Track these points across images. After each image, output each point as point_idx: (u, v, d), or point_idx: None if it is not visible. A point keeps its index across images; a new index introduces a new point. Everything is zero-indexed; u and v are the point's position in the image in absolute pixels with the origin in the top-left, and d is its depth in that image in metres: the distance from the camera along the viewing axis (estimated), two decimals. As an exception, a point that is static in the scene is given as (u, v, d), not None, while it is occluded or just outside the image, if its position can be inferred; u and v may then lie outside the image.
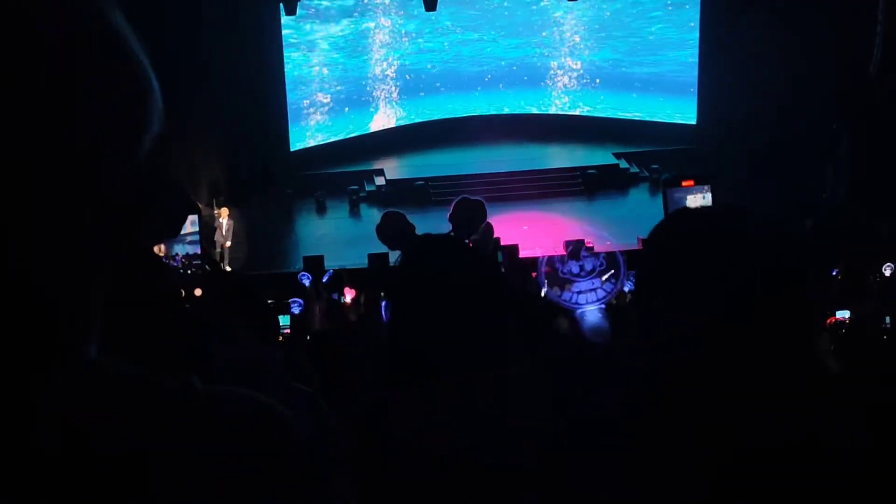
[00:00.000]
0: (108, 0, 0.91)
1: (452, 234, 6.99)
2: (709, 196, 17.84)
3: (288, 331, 10.47)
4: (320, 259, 17.96)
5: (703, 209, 2.21)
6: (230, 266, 20.16)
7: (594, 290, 4.52)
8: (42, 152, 0.85)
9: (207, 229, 20.15)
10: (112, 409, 0.93)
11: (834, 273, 13.99)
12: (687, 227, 1.95)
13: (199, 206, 20.31)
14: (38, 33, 0.85)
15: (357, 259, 18.49)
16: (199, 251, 19.01)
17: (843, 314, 9.94)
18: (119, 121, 0.90)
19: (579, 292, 4.53)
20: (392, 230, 6.14)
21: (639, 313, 1.96)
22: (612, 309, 5.75)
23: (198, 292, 9.55)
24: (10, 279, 0.86)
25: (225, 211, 20.86)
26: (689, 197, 17.33)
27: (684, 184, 17.11)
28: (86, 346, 0.93)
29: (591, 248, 4.52)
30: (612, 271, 4.56)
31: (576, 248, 4.64)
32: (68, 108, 0.86)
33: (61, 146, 0.86)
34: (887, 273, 13.61)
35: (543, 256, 4.60)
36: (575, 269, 4.56)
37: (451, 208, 7.67)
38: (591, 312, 4.51)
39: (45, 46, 0.85)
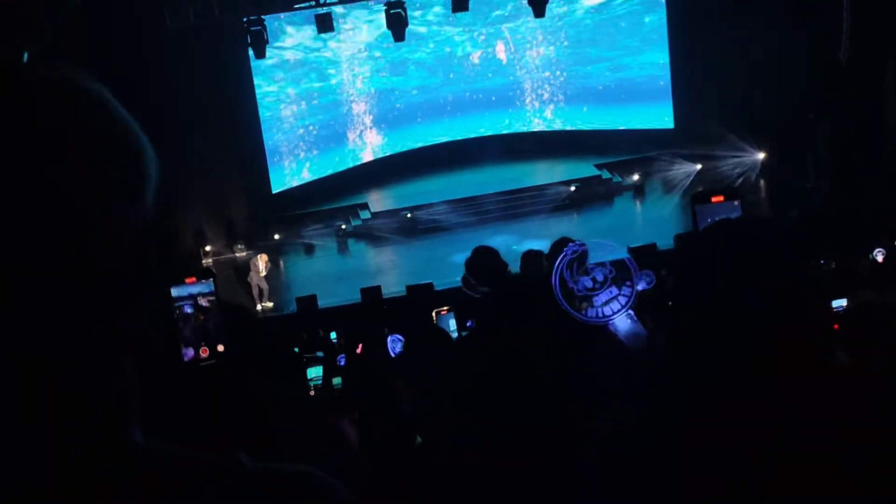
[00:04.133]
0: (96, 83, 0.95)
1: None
2: (739, 213, 17.81)
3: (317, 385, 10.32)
4: (313, 298, 17.93)
5: (739, 220, 2.23)
6: (267, 305, 20.50)
7: (615, 298, 4.49)
8: (44, 230, 0.86)
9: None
10: (159, 490, 0.93)
11: (822, 263, 14.00)
12: (727, 238, 1.97)
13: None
14: (38, 112, 0.88)
15: (349, 294, 18.47)
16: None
17: (840, 303, 9.91)
18: (114, 185, 0.92)
19: (602, 304, 4.50)
20: (483, 267, 6.12)
21: (672, 325, 1.98)
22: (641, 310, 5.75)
23: (220, 347, 9.42)
24: (30, 366, 0.87)
25: (263, 256, 21.06)
26: (719, 215, 17.27)
27: (714, 199, 17.03)
28: (128, 430, 0.95)
29: (584, 252, 4.49)
30: (624, 273, 4.54)
31: (580, 261, 4.60)
32: (66, 180, 0.87)
33: (62, 217, 0.86)
34: (879, 258, 13.60)
35: (555, 283, 4.56)
36: (589, 284, 4.52)
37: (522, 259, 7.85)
38: (622, 320, 4.48)
39: (43, 125, 0.87)
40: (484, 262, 6.09)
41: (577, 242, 4.65)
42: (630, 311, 4.51)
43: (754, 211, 17.75)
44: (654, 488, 1.90)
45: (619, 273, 4.47)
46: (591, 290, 4.43)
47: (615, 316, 4.46)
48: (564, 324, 4.61)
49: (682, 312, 2.01)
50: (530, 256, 7.73)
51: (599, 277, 4.44)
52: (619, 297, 4.45)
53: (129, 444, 0.94)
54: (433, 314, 12.84)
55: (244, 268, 21.36)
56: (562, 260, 4.53)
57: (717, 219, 2.23)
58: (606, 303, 4.43)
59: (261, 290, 20.76)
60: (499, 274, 5.99)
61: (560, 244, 4.99)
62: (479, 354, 4.72)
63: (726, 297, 1.86)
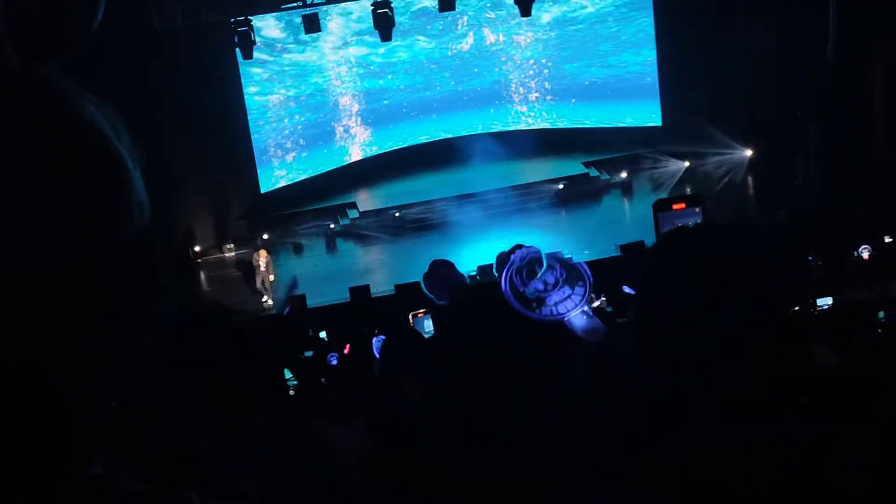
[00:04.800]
0: (89, 99, 0.92)
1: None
2: (700, 219, 17.83)
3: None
4: (302, 298, 17.92)
5: (698, 227, 2.25)
6: (272, 300, 20.57)
7: (569, 297, 4.48)
8: (26, 257, 0.84)
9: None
10: None
11: (810, 259, 14.07)
12: (684, 247, 1.98)
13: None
14: (27, 135, 0.86)
15: (338, 294, 18.46)
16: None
17: (825, 301, 9.96)
18: (99, 209, 0.89)
19: (556, 303, 4.48)
20: (439, 280, 6.10)
21: (638, 335, 1.98)
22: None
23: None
24: (10, 393, 0.85)
25: (263, 252, 21.33)
26: (680, 221, 17.29)
27: (675, 206, 17.03)
28: (89, 461, 0.92)
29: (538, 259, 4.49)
30: (576, 275, 4.53)
31: (529, 267, 4.57)
32: (50, 204, 0.85)
33: (46, 247, 0.85)
34: (865, 255, 13.66)
35: (505, 288, 4.55)
36: (540, 287, 4.50)
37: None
38: (577, 317, 4.48)
39: (31, 148, 0.85)
40: (440, 276, 6.08)
41: (526, 248, 4.65)
42: (585, 308, 4.52)
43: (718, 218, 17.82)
44: (642, 491, 1.90)
45: (571, 274, 4.47)
46: (544, 291, 4.43)
47: (569, 313, 4.46)
48: (524, 328, 4.63)
49: (646, 319, 2.01)
50: (502, 259, 7.72)
51: (550, 280, 4.43)
52: (573, 296, 4.45)
53: (86, 477, 0.91)
54: (409, 317, 12.79)
55: (237, 267, 21.20)
56: (509, 268, 4.53)
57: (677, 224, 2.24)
58: (559, 302, 4.43)
59: (265, 287, 20.81)
60: (455, 286, 5.99)
61: (509, 253, 5.01)
62: (445, 366, 4.73)
63: (689, 302, 1.87)
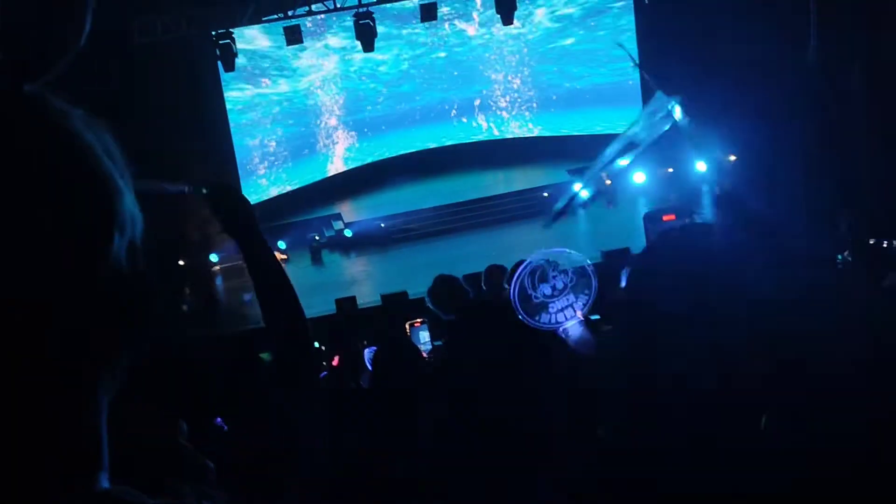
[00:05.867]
0: (78, 116, 0.92)
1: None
2: None
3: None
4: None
5: (679, 227, 2.28)
6: None
7: (571, 305, 4.53)
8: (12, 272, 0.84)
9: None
10: None
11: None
12: (673, 246, 2.00)
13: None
14: (14, 150, 0.85)
15: (324, 306, 18.42)
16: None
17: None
18: (85, 226, 0.89)
19: (557, 311, 4.53)
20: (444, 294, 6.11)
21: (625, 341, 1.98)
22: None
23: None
24: (12, 407, 0.85)
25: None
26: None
27: (665, 218, 17.11)
28: (93, 477, 0.92)
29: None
30: (585, 282, 4.58)
31: (542, 271, 4.63)
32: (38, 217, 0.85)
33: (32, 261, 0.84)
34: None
35: (513, 292, 4.59)
36: (548, 291, 4.55)
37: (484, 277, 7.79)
38: (573, 327, 4.52)
39: (18, 161, 0.85)
40: (445, 290, 6.09)
41: (543, 251, 4.68)
42: (582, 320, 4.57)
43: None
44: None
45: (580, 281, 4.52)
46: (550, 297, 4.48)
47: (567, 323, 4.51)
48: (524, 342, 4.66)
49: (639, 318, 2.03)
50: (493, 273, 7.72)
51: (559, 285, 4.48)
52: (575, 305, 4.51)
53: (93, 492, 0.91)
54: (406, 326, 12.77)
55: (224, 278, 21.22)
56: (524, 269, 4.57)
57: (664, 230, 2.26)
58: (561, 310, 4.48)
59: None
60: (461, 301, 6.00)
61: (500, 268, 5.04)
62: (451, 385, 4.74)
63: (681, 298, 1.88)
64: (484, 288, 6.75)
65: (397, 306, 16.38)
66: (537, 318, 4.53)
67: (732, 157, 23.66)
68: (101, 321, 0.90)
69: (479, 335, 4.71)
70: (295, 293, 2.95)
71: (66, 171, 0.89)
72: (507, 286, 5.22)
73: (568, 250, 4.78)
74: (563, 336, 4.59)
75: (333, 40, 26.66)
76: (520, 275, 4.58)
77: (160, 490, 0.99)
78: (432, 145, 28.26)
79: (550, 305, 4.56)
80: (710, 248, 1.98)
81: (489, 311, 5.17)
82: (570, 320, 4.55)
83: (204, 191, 2.75)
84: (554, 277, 4.59)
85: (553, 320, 4.55)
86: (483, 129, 28.90)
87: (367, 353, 8.90)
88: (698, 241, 2.02)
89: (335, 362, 10.49)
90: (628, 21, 26.29)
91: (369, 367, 8.05)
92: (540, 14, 27.61)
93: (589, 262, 4.74)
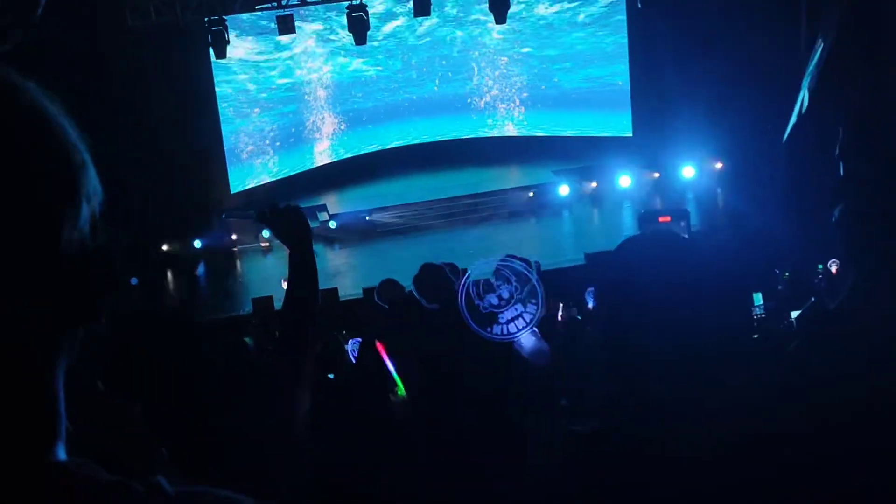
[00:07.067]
0: (42, 93, 0.92)
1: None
2: (686, 232, 17.93)
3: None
4: (269, 300, 17.83)
5: (654, 234, 2.27)
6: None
7: (520, 315, 4.50)
8: None
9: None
10: None
11: (776, 272, 14.13)
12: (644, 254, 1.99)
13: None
14: None
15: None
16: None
17: (796, 314, 9.98)
18: (52, 195, 0.89)
19: (507, 322, 4.50)
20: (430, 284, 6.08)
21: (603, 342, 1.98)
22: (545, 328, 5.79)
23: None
24: None
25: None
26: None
27: (661, 219, 17.07)
28: (50, 448, 0.91)
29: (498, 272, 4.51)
30: (531, 290, 4.55)
31: (485, 280, 4.61)
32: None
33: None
34: (833, 269, 13.73)
35: (460, 302, 4.56)
36: (494, 301, 4.52)
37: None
38: (526, 338, 4.50)
39: None
40: (431, 279, 6.07)
41: (484, 261, 4.67)
42: (534, 329, 4.54)
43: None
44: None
45: (525, 289, 4.49)
46: (497, 307, 4.45)
47: (520, 333, 4.48)
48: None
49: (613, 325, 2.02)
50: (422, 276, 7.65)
51: (505, 295, 4.46)
52: (524, 315, 4.48)
53: (50, 462, 0.90)
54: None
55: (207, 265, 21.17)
56: (466, 279, 4.55)
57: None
58: (511, 320, 4.45)
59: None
60: (447, 291, 5.98)
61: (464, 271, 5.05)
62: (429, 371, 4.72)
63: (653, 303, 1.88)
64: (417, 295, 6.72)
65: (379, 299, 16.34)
66: (489, 329, 4.51)
67: (719, 165, 23.73)
68: (63, 290, 0.90)
69: (463, 326, 4.68)
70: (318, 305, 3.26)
71: (34, 139, 0.89)
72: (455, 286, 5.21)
73: (510, 259, 4.75)
74: (518, 348, 4.57)
75: (325, 31, 26.58)
76: (464, 284, 4.56)
77: (112, 469, 0.97)
78: (420, 140, 28.21)
79: (500, 316, 4.53)
80: (674, 257, 1.96)
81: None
82: (524, 330, 4.53)
83: (266, 213, 3.44)
84: (498, 287, 4.56)
85: (505, 331, 4.53)
86: (472, 126, 28.85)
87: (351, 344, 8.85)
88: (659, 249, 2.00)
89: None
90: (622, 26, 26.29)
91: (352, 359, 8.00)
92: (533, 13, 27.57)
93: (533, 271, 4.71)
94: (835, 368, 1.86)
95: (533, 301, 4.52)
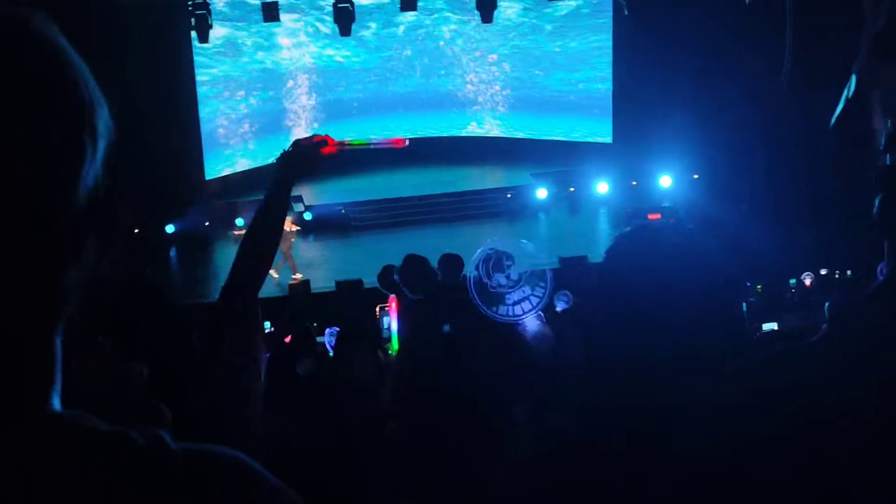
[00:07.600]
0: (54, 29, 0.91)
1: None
2: None
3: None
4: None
5: (645, 227, 2.24)
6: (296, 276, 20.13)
7: (527, 298, 4.49)
8: None
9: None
10: (75, 466, 0.86)
11: (749, 285, 14.18)
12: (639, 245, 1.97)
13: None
14: None
15: (276, 287, 18.33)
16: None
17: (771, 326, 10.03)
18: (68, 136, 0.88)
19: (514, 303, 4.48)
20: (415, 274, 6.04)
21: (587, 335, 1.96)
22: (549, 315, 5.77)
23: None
24: None
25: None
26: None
27: (651, 216, 17.14)
28: (46, 399, 0.89)
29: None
30: (539, 274, 4.54)
31: (497, 259, 4.60)
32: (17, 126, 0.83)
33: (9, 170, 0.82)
34: (807, 282, 13.80)
35: (469, 279, 4.55)
36: (503, 281, 4.51)
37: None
38: (531, 321, 4.50)
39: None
40: (415, 270, 6.06)
41: (500, 240, 4.66)
42: (540, 313, 4.54)
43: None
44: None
45: (535, 272, 4.49)
46: (506, 287, 4.45)
47: (525, 316, 4.47)
48: (490, 325, 4.64)
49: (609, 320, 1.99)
50: (448, 260, 7.67)
51: (514, 276, 4.46)
52: (531, 297, 4.48)
53: (46, 413, 0.88)
54: (376, 310, 12.64)
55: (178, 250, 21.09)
56: (479, 256, 4.54)
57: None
58: (518, 302, 4.46)
59: (291, 264, 20.45)
60: (430, 281, 5.97)
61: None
62: (410, 362, 4.69)
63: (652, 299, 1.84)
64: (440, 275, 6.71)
65: (351, 293, 16.32)
66: (495, 309, 4.50)
67: (696, 176, 23.80)
68: (73, 229, 0.88)
69: (444, 316, 4.66)
70: (273, 253, 3.15)
71: (53, 70, 0.88)
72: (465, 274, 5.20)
73: (523, 241, 4.75)
74: (522, 330, 4.56)
75: (311, 20, 26.49)
76: (475, 262, 4.55)
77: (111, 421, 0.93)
78: (400, 136, 28.14)
79: (507, 297, 4.53)
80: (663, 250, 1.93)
81: (456, 295, 5.12)
82: (529, 314, 4.52)
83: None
84: (508, 267, 4.56)
85: (511, 312, 4.52)
86: (454, 124, 28.86)
87: (328, 333, 8.82)
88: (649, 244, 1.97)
89: (287, 341, 10.46)
90: (606, 33, 26.34)
91: (329, 350, 7.98)
92: (518, 13, 27.60)
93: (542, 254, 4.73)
94: (863, 360, 1.83)
95: (541, 285, 4.50)
